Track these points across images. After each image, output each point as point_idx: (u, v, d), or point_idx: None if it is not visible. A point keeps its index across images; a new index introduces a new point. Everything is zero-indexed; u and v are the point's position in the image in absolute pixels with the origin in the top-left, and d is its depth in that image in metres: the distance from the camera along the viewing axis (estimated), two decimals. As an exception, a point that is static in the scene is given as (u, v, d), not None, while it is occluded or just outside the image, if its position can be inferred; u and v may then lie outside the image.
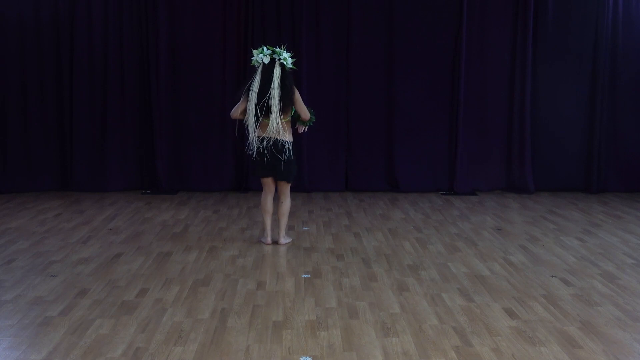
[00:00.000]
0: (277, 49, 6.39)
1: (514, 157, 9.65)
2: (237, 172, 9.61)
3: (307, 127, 6.78)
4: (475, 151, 9.67)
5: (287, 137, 6.45)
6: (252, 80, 6.39)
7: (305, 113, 6.52)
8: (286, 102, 6.35)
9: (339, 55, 9.49)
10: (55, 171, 9.50)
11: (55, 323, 4.62)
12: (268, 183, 6.64)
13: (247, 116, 6.37)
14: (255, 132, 6.36)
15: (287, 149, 6.43)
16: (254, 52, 6.43)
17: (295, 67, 6.48)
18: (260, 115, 6.30)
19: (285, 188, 6.64)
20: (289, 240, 6.78)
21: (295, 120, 6.65)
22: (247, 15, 9.34)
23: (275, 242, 6.73)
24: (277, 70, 6.33)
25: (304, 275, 5.72)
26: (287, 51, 6.46)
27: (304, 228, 7.43)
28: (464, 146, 9.59)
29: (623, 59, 9.49)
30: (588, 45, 9.48)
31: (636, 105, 9.57)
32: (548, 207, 8.66)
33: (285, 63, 6.36)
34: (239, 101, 6.47)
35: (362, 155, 9.65)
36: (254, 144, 6.39)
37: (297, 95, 6.45)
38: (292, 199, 8.93)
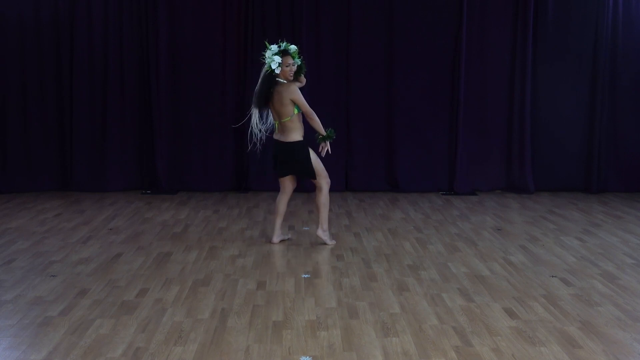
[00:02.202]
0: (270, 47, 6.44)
1: (514, 157, 9.65)
2: (237, 172, 9.61)
3: (326, 145, 6.57)
4: (475, 151, 9.67)
5: (292, 138, 6.46)
6: None
7: (306, 110, 6.45)
8: (259, 101, 6.43)
9: (339, 55, 9.49)
10: (55, 171, 9.50)
11: (55, 323, 4.62)
12: (283, 183, 6.69)
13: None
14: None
15: (296, 150, 6.45)
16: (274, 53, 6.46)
17: (271, 69, 6.42)
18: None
19: (317, 182, 6.61)
20: (326, 237, 6.68)
21: (317, 138, 6.62)
22: (247, 15, 9.33)
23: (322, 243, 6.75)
24: (264, 69, 6.46)
25: (304, 275, 5.72)
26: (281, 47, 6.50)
27: (304, 228, 7.43)
28: (464, 146, 9.58)
29: (623, 59, 9.49)
30: (588, 45, 9.48)
31: (636, 105, 9.57)
32: (548, 207, 8.66)
33: (267, 63, 6.43)
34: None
35: (362, 155, 9.64)
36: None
37: (291, 95, 6.41)
38: (293, 198, 8.94)
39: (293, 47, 6.49)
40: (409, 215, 8.11)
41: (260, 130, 6.53)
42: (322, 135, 6.53)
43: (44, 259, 6.14)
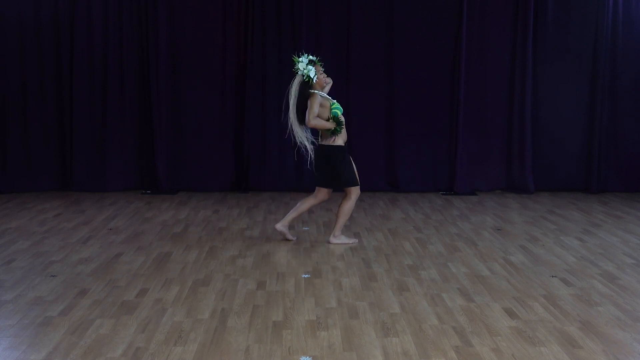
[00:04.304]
0: (302, 59, 6.45)
1: (514, 157, 9.65)
2: (237, 172, 9.61)
3: (334, 136, 6.53)
4: (475, 151, 9.67)
5: (331, 142, 6.49)
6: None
7: (307, 119, 6.43)
8: (299, 115, 6.46)
9: (339, 55, 9.49)
10: (55, 171, 9.50)
11: (55, 323, 4.62)
12: (318, 190, 6.70)
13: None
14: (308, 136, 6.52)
15: (332, 155, 6.47)
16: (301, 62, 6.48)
17: (308, 77, 6.44)
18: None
19: (347, 191, 6.62)
20: (341, 240, 6.71)
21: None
22: (247, 15, 9.34)
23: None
24: (297, 79, 6.47)
25: (304, 275, 5.72)
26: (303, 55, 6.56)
27: (304, 228, 7.43)
28: (464, 146, 9.58)
29: (623, 59, 9.49)
30: (588, 45, 9.48)
31: (636, 105, 9.57)
32: (548, 207, 8.66)
33: (304, 74, 6.44)
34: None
35: (362, 155, 9.62)
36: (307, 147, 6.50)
37: (309, 102, 6.44)
38: (293, 198, 8.97)
39: (313, 58, 6.54)
40: (409, 215, 8.11)
41: (308, 141, 6.49)
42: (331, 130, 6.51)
43: (44, 259, 6.14)
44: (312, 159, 6.54)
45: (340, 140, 6.53)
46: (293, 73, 6.53)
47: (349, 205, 6.64)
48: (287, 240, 6.84)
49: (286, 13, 9.37)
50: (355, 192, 6.65)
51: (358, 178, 6.68)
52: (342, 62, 9.50)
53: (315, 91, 6.48)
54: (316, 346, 4.26)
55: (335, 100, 6.59)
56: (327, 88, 6.73)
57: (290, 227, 7.36)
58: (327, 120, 6.47)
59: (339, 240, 6.73)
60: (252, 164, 9.46)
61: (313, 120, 6.41)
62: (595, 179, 9.56)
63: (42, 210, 8.26)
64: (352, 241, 6.76)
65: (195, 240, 6.90)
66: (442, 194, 9.47)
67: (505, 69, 9.59)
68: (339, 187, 6.68)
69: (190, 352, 4.17)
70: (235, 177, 9.62)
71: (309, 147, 6.50)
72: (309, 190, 9.45)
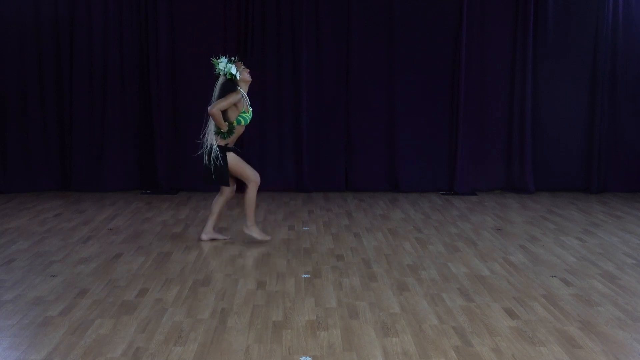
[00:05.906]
0: (222, 60, 6.50)
1: (514, 157, 9.65)
2: (237, 172, 9.60)
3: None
4: (475, 151, 9.67)
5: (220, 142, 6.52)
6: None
7: (212, 104, 6.40)
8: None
9: (339, 55, 9.49)
10: (55, 171, 9.50)
11: (55, 323, 4.62)
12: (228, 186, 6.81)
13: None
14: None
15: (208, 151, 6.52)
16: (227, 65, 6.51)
17: (233, 74, 6.46)
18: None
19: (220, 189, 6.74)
20: (208, 236, 6.78)
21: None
22: (247, 16, 9.33)
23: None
24: (221, 79, 6.53)
25: (304, 275, 5.72)
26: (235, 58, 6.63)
27: (304, 228, 7.43)
28: (464, 146, 9.58)
29: (623, 59, 9.49)
30: (588, 45, 9.48)
31: (636, 105, 9.57)
32: (548, 207, 8.66)
33: (226, 72, 6.47)
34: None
35: (362, 155, 9.64)
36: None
37: (227, 95, 6.42)
38: (293, 198, 8.98)
39: (232, 58, 6.57)
40: (409, 215, 8.11)
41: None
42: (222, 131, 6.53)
43: (44, 259, 6.14)
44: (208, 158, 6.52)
45: (222, 142, 6.53)
46: (220, 76, 6.54)
47: (220, 202, 6.74)
48: (219, 240, 6.83)
49: (286, 13, 9.36)
50: (225, 191, 6.72)
51: (230, 181, 6.68)
52: (342, 62, 9.50)
53: (240, 89, 6.50)
54: (316, 346, 4.26)
55: (251, 109, 6.60)
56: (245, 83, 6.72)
57: (290, 227, 7.37)
58: (226, 122, 6.46)
59: (207, 236, 6.79)
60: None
61: (216, 110, 6.38)
62: (595, 179, 9.56)
63: (42, 210, 8.26)
64: (221, 237, 6.81)
65: (195, 240, 6.90)
66: (442, 194, 9.47)
67: (505, 69, 9.58)
68: (213, 183, 6.65)
69: (190, 352, 4.17)
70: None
71: (215, 148, 6.48)
72: (307, 190, 9.49)
